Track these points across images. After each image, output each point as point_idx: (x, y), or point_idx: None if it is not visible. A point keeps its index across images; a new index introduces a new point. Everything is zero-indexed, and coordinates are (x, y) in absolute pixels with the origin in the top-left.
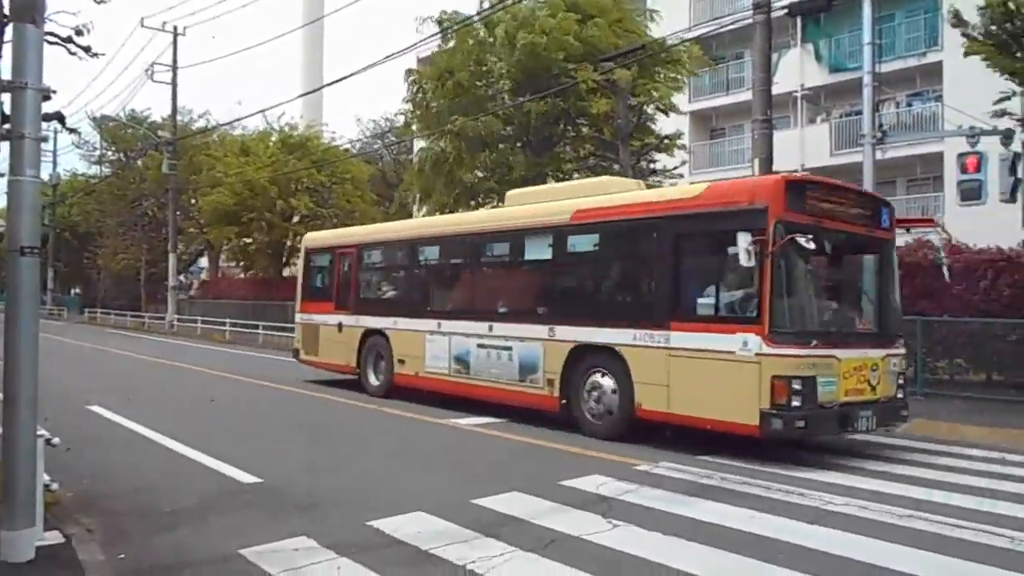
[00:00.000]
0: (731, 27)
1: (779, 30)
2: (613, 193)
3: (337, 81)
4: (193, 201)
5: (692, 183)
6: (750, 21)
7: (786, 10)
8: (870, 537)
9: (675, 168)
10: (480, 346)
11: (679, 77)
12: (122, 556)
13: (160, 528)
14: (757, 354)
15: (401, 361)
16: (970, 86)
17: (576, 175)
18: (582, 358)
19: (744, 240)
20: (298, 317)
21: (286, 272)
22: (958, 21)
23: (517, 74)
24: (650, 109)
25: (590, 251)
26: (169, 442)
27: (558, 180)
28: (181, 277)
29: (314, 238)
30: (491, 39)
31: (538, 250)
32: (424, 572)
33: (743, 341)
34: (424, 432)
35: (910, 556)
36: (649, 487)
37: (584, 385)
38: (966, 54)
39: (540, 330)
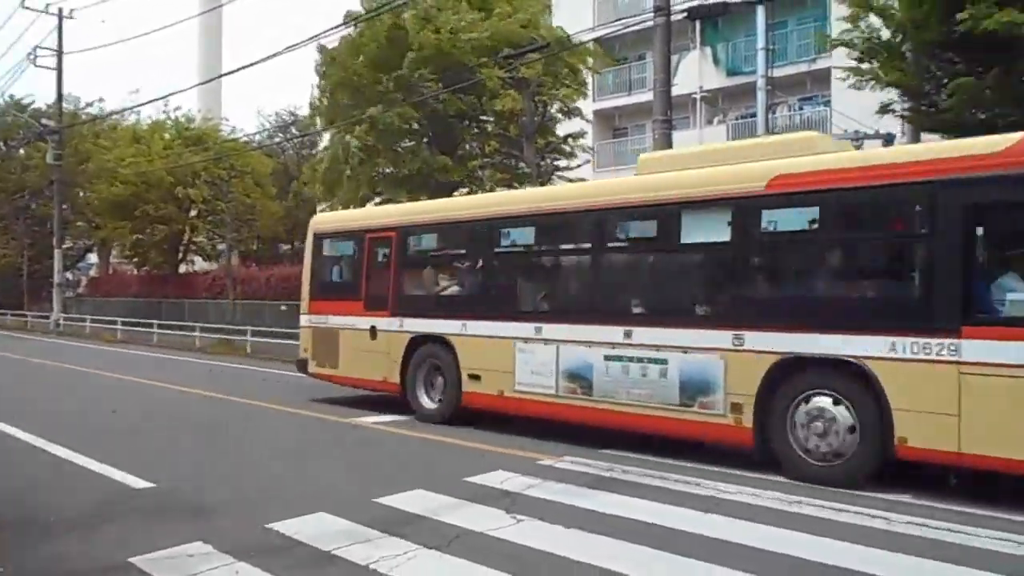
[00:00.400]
0: (634, 28)
1: (679, 33)
2: (820, 153)
3: (236, 71)
4: (82, 194)
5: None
6: (651, 23)
7: (685, 13)
8: (760, 523)
9: (577, 167)
10: (611, 358)
11: (583, 78)
12: (0, 570)
13: (43, 538)
14: None
15: (475, 377)
16: (856, 92)
17: (480, 172)
18: (790, 376)
19: None
20: (305, 319)
21: (183, 268)
22: (844, 44)
23: (424, 68)
24: (554, 109)
25: (803, 230)
26: (54, 448)
27: (465, 178)
28: (68, 274)
29: (329, 220)
30: (402, 31)
31: (709, 230)
32: (326, 573)
33: None
34: (327, 430)
35: (797, 540)
36: (552, 481)
37: (794, 413)
38: (852, 83)
39: (717, 337)
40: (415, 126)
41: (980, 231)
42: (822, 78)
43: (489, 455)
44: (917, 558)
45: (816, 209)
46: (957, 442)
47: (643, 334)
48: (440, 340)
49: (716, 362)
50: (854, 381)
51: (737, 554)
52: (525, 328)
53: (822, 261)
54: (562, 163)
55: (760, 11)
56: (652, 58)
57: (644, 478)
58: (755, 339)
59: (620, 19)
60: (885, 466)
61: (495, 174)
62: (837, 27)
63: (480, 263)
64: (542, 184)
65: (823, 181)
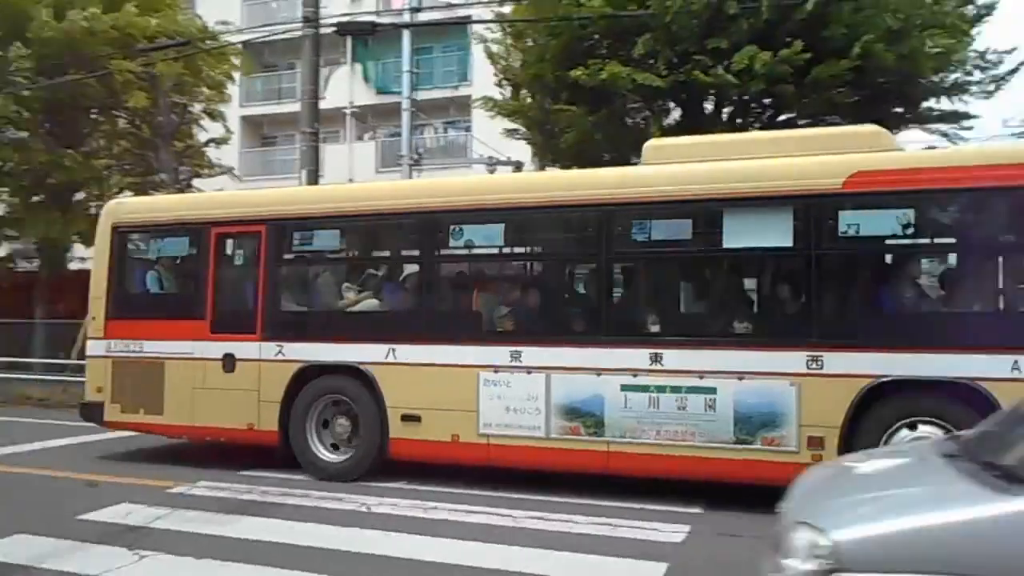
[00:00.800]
0: (284, 36)
1: (332, 46)
2: (890, 151)
3: None
4: None
5: (240, 191)
6: (301, 33)
7: (335, 28)
8: (404, 532)
9: (220, 174)
10: (632, 388)
11: (222, 79)
12: None
13: None
14: None
15: (411, 419)
16: (492, 121)
17: (107, 172)
18: (887, 401)
19: None
20: (98, 347)
21: None
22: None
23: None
24: (197, 110)
25: (895, 235)
26: None
27: (89, 178)
28: None
29: (139, 209)
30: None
31: (766, 232)
32: None
33: None
34: None
35: (438, 546)
36: (184, 510)
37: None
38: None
39: (785, 359)
40: (25, 114)
41: None
42: (464, 104)
43: (108, 486)
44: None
45: (911, 210)
46: None
47: (679, 357)
48: (350, 370)
49: (785, 390)
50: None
51: (377, 565)
52: (496, 353)
53: (923, 268)
54: (206, 170)
55: (406, 35)
56: (301, 68)
57: (286, 498)
58: (835, 361)
59: (268, 24)
60: None
61: (123, 178)
62: (480, 56)
63: (420, 269)
64: (180, 191)
65: (931, 180)
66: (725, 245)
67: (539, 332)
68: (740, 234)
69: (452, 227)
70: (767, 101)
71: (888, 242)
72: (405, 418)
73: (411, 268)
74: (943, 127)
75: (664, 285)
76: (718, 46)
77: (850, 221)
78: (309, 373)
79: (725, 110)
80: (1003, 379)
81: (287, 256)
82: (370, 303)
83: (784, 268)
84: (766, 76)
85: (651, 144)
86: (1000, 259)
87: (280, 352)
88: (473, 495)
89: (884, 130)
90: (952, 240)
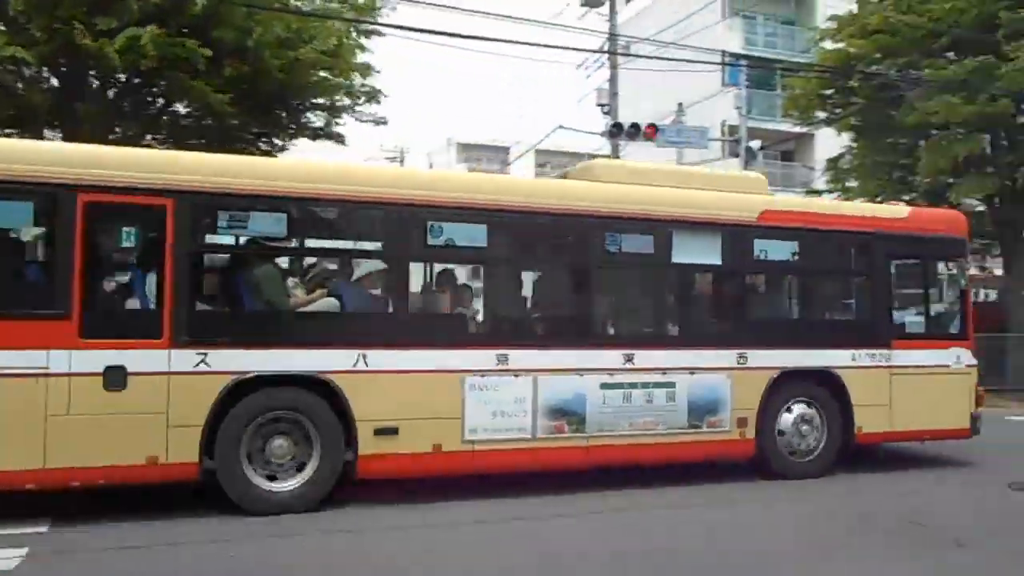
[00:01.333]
0: None
1: None
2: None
3: None
4: None
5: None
6: None
7: None
8: None
9: None
10: (608, 386)
11: None
12: None
13: None
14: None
15: (387, 431)
16: None
17: None
18: (782, 387)
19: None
20: None
21: None
22: None
23: None
24: None
25: (784, 261)
26: None
27: None
28: None
29: None
30: None
31: (704, 251)
32: None
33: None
34: None
35: None
36: None
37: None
38: None
39: (722, 356)
40: None
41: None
42: None
43: None
44: None
45: (795, 243)
46: (890, 424)
47: (646, 357)
48: (306, 382)
49: (721, 382)
50: (820, 387)
51: None
52: (481, 357)
53: (799, 289)
54: None
55: None
56: None
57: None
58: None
59: None
60: None
61: None
62: None
63: (398, 265)
64: None
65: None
66: (679, 260)
67: (524, 336)
68: (689, 253)
69: (433, 224)
70: (156, 89)
71: (785, 263)
72: (379, 432)
73: (384, 264)
74: (326, 143)
75: (626, 294)
76: (107, 27)
77: (761, 247)
78: (245, 388)
79: (111, 91)
80: (847, 367)
81: (214, 243)
82: (327, 302)
83: (716, 281)
84: (158, 57)
85: (601, 163)
86: (829, 276)
87: (204, 362)
88: None
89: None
90: (820, 263)
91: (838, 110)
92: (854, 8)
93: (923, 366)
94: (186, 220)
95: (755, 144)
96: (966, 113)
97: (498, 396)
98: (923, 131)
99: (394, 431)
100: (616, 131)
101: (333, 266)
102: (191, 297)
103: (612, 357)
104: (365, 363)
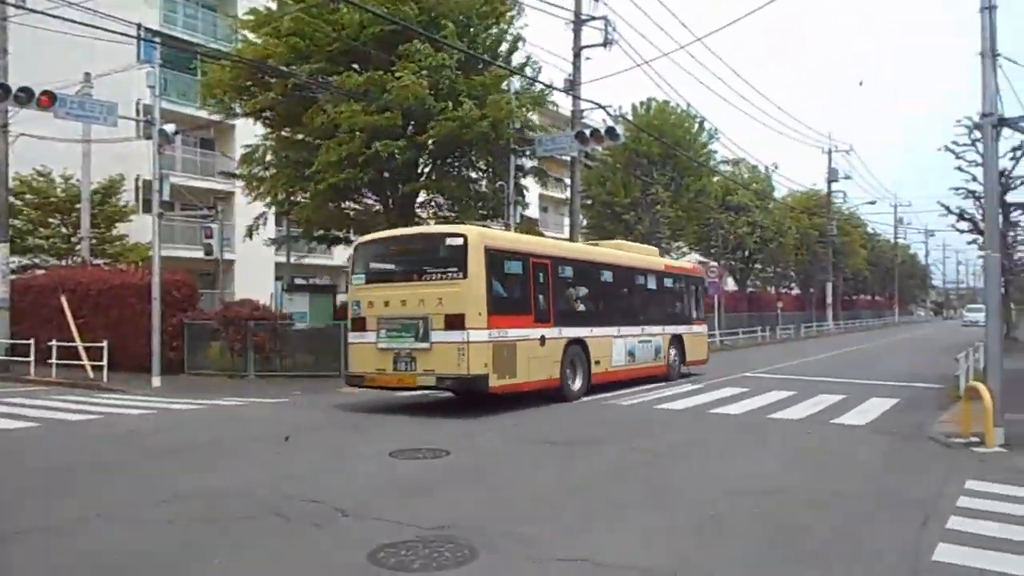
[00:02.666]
0: None
1: None
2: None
3: None
4: None
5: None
6: None
7: None
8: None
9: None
10: (641, 341)
11: None
12: None
13: None
14: None
15: (596, 362)
16: None
17: None
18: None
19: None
20: (480, 334)
21: None
22: None
23: None
24: None
25: (668, 286)
26: None
27: None
28: None
29: (498, 237)
30: None
31: (647, 281)
32: None
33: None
34: None
35: None
36: None
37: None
38: None
39: (660, 329)
40: None
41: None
42: None
43: None
44: None
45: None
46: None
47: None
48: (580, 341)
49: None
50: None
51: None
52: (613, 330)
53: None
54: None
55: None
56: None
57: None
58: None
59: None
60: None
61: None
62: None
63: (597, 289)
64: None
65: (673, 269)
66: (636, 283)
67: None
68: (642, 281)
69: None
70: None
71: (670, 286)
72: (595, 362)
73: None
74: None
75: (638, 300)
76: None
77: (664, 280)
78: (569, 343)
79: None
80: (674, 333)
81: (560, 277)
82: (580, 306)
83: (653, 295)
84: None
85: (625, 243)
86: (680, 292)
87: (561, 333)
88: None
89: (644, 247)
90: (676, 287)
91: (255, 102)
92: (273, 5)
93: (699, 332)
94: (555, 269)
95: (170, 128)
96: (364, 122)
97: (619, 346)
98: (328, 132)
99: (598, 362)
100: (3, 94)
101: (584, 290)
102: (558, 304)
103: (637, 329)
104: (591, 332)
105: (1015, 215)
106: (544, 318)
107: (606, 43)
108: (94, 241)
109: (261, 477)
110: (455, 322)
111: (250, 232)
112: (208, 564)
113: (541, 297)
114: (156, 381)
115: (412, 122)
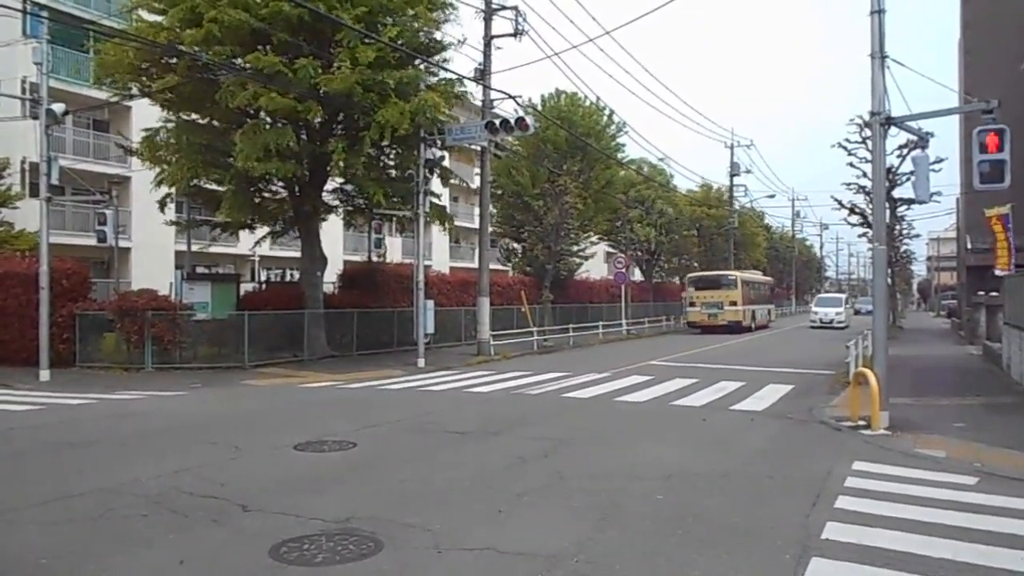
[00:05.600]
0: None
1: None
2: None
3: None
4: None
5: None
6: None
7: None
8: None
9: None
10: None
11: None
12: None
13: None
14: None
15: (753, 319)
16: None
17: None
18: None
19: None
20: None
21: None
22: None
23: None
24: None
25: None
26: None
27: None
28: None
29: (742, 274)
30: None
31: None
32: None
33: None
34: None
35: None
36: None
37: None
38: None
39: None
40: None
41: None
42: None
43: None
44: None
45: None
46: None
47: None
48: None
49: None
50: None
51: None
52: (751, 304)
53: None
54: None
55: None
56: None
57: None
58: None
59: None
60: None
61: None
62: None
63: (758, 291)
64: None
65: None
66: (762, 285)
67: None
68: (763, 285)
69: None
70: None
71: (765, 285)
72: (753, 319)
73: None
74: None
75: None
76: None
77: (765, 284)
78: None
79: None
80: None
81: (749, 283)
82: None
83: (763, 290)
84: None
85: (733, 272)
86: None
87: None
88: None
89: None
90: (767, 286)
91: (153, 84)
92: None
93: (771, 308)
94: (748, 283)
95: (59, 108)
96: (280, 104)
97: (761, 312)
98: (238, 117)
99: (756, 317)
100: None
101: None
102: (751, 296)
103: (762, 307)
104: (756, 307)
105: (901, 210)
106: (747, 301)
107: (517, 33)
108: None
109: (157, 473)
110: (733, 302)
111: (162, 206)
112: (100, 567)
113: (752, 294)
114: (45, 375)
115: (341, 113)
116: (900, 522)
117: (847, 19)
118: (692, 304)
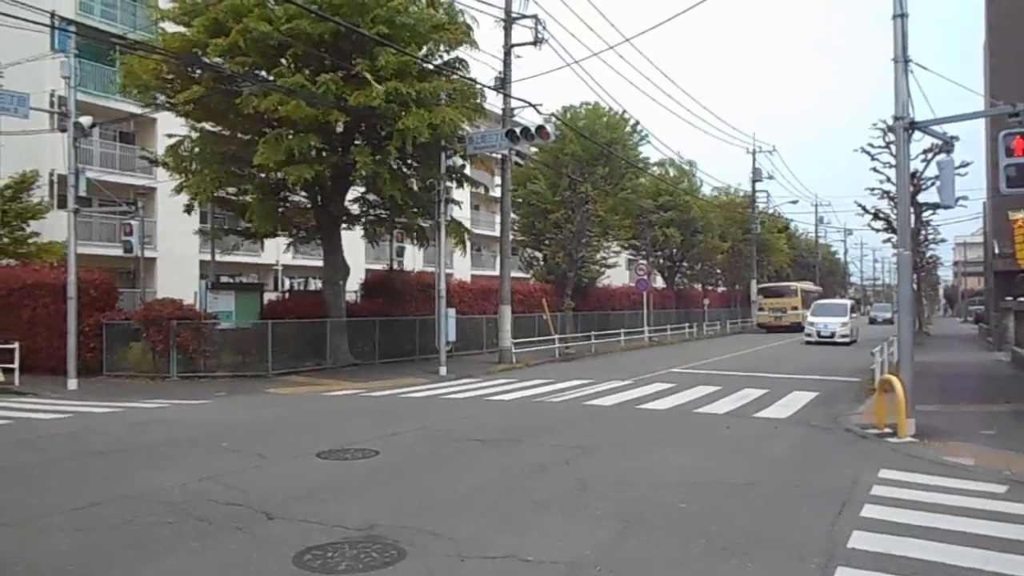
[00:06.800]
0: None
1: None
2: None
3: None
4: None
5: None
6: None
7: None
8: None
9: None
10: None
11: None
12: None
13: None
14: None
15: (809, 323)
16: None
17: None
18: None
19: None
20: None
21: None
22: None
23: None
24: None
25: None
26: None
27: None
28: None
29: (802, 285)
30: None
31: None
32: None
33: None
34: None
35: None
36: None
37: None
38: None
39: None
40: None
41: None
42: None
43: None
44: None
45: None
46: None
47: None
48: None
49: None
50: None
51: None
52: (807, 313)
53: None
54: None
55: None
56: None
57: None
58: None
59: None
60: None
61: None
62: None
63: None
64: None
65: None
66: (812, 293)
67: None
68: (815, 293)
69: None
70: None
71: (816, 291)
72: (810, 324)
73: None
74: None
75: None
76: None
77: (814, 292)
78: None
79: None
80: None
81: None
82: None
83: (812, 297)
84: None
85: (801, 285)
86: None
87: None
88: None
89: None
90: (814, 293)
91: (187, 94)
92: None
93: None
94: (806, 294)
95: (86, 120)
96: (304, 112)
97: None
98: (261, 128)
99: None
100: None
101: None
102: (808, 303)
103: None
104: (806, 311)
105: (926, 215)
106: (805, 307)
107: (536, 42)
108: (5, 240)
109: (181, 480)
110: (794, 308)
111: (188, 210)
112: (127, 575)
113: (808, 301)
114: (72, 384)
115: (361, 124)
116: (928, 531)
117: (865, 21)
118: (761, 309)
